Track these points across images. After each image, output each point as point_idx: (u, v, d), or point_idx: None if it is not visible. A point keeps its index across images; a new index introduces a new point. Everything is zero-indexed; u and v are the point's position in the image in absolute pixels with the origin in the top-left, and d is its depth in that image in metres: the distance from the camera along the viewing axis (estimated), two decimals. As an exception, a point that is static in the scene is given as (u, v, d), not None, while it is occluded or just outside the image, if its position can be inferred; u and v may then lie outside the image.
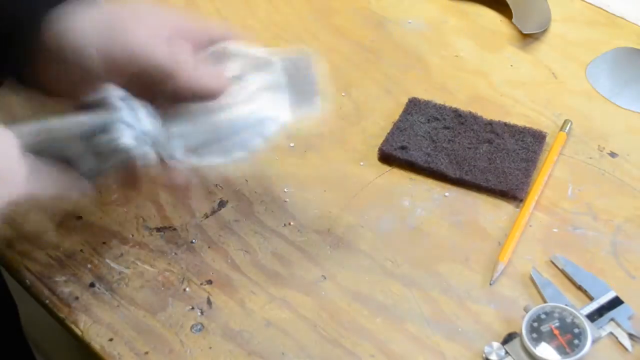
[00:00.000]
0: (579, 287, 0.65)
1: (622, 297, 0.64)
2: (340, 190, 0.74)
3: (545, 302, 0.64)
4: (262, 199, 0.73)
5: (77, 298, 0.65)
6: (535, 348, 0.59)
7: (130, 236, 0.70)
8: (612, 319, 0.62)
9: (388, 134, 0.77)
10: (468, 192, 0.73)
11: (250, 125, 0.60)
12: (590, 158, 0.76)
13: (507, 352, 0.60)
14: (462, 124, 0.78)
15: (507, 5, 0.92)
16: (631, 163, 0.76)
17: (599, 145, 0.78)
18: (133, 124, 0.56)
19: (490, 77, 0.85)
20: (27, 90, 0.61)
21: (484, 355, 0.60)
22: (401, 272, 0.67)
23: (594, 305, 0.63)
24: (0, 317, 0.82)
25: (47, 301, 0.65)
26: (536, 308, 0.62)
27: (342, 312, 0.64)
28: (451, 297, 0.65)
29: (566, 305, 0.62)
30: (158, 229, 0.70)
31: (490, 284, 0.66)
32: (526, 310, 0.62)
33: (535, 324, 0.61)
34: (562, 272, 0.66)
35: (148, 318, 0.64)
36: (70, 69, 0.58)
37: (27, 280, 0.67)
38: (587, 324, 0.61)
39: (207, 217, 0.71)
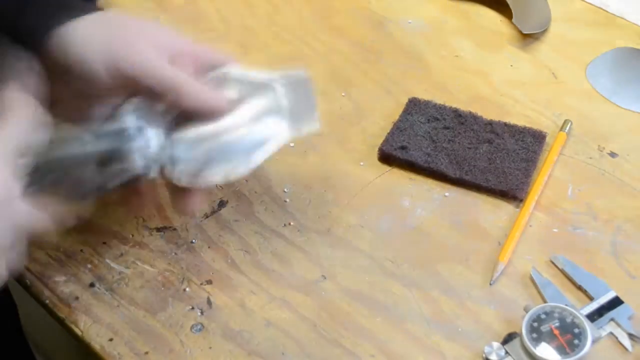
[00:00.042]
0: (579, 287, 0.65)
1: (622, 297, 0.64)
2: (340, 190, 0.74)
3: (545, 302, 0.64)
4: (262, 199, 0.73)
5: (77, 298, 0.65)
6: (535, 348, 0.59)
7: (130, 236, 0.70)
8: (612, 319, 0.62)
9: (388, 134, 0.77)
10: (468, 192, 0.73)
11: (251, 146, 0.61)
12: (590, 158, 0.76)
13: (507, 352, 0.60)
14: (462, 124, 0.78)
15: (507, 5, 0.92)
16: (631, 163, 0.76)
17: (599, 145, 0.78)
18: (143, 150, 0.58)
19: (490, 77, 0.85)
20: None
21: (484, 355, 0.60)
22: (401, 272, 0.67)
23: (594, 305, 0.63)
24: (0, 317, 0.82)
25: (47, 301, 0.65)
26: (536, 308, 0.62)
27: (342, 312, 0.64)
28: (451, 297, 0.65)
29: (566, 305, 0.62)
30: (158, 229, 0.70)
31: (490, 284, 0.66)
32: (526, 310, 0.62)
33: (535, 324, 0.61)
34: (562, 272, 0.66)
35: (148, 318, 0.64)
36: (76, 82, 0.59)
37: (27, 280, 0.67)
38: (587, 324, 0.61)
39: (207, 217, 0.71)
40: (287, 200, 0.73)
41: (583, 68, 0.86)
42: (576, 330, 0.60)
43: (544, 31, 0.90)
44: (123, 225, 0.71)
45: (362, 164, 0.76)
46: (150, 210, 0.71)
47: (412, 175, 0.75)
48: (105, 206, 0.72)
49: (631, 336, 0.62)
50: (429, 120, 0.78)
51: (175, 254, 0.69)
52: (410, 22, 0.92)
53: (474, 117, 0.79)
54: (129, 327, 0.63)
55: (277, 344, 0.62)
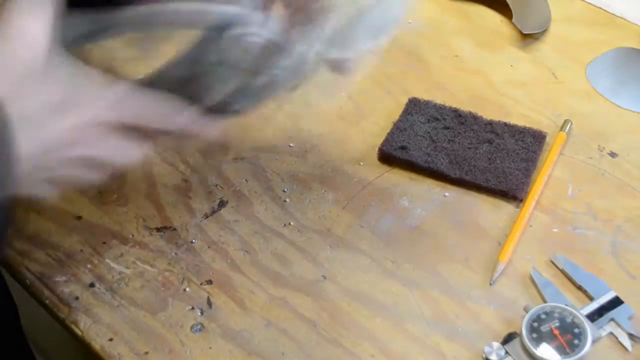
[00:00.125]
0: (579, 287, 0.65)
1: (622, 297, 0.64)
2: (340, 190, 0.74)
3: (545, 302, 0.64)
4: (262, 199, 0.73)
5: (77, 298, 0.65)
6: (535, 348, 0.59)
7: (130, 236, 0.70)
8: (612, 319, 0.62)
9: (388, 134, 0.77)
10: (468, 192, 0.73)
11: (378, 13, 0.60)
12: (590, 158, 0.76)
13: (507, 352, 0.60)
14: (462, 124, 0.78)
15: (507, 5, 0.92)
16: (631, 163, 0.76)
17: (599, 145, 0.78)
18: (262, 24, 0.55)
19: (490, 77, 0.85)
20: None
21: (484, 355, 0.60)
22: (401, 272, 0.67)
23: (594, 305, 0.63)
24: (0, 317, 0.82)
25: (47, 301, 0.65)
26: (536, 308, 0.62)
27: (342, 312, 0.64)
28: (451, 297, 0.65)
29: (566, 305, 0.62)
30: (158, 229, 0.70)
31: (490, 284, 0.66)
32: (526, 310, 0.62)
33: (535, 324, 0.61)
34: (562, 272, 0.66)
35: (148, 318, 0.64)
36: None
37: (27, 280, 0.67)
38: (587, 324, 0.61)
39: (207, 217, 0.71)
40: (287, 200, 0.73)
41: (583, 68, 0.86)
42: (576, 330, 0.60)
43: (544, 31, 0.90)
44: (123, 225, 0.71)
45: (362, 164, 0.76)
46: (150, 210, 0.71)
47: (412, 175, 0.75)
48: (105, 206, 0.72)
49: (631, 336, 0.62)
50: (429, 120, 0.78)
51: (175, 254, 0.69)
52: (410, 22, 0.92)
53: (474, 117, 0.79)
54: (129, 327, 0.63)
55: (277, 344, 0.62)
